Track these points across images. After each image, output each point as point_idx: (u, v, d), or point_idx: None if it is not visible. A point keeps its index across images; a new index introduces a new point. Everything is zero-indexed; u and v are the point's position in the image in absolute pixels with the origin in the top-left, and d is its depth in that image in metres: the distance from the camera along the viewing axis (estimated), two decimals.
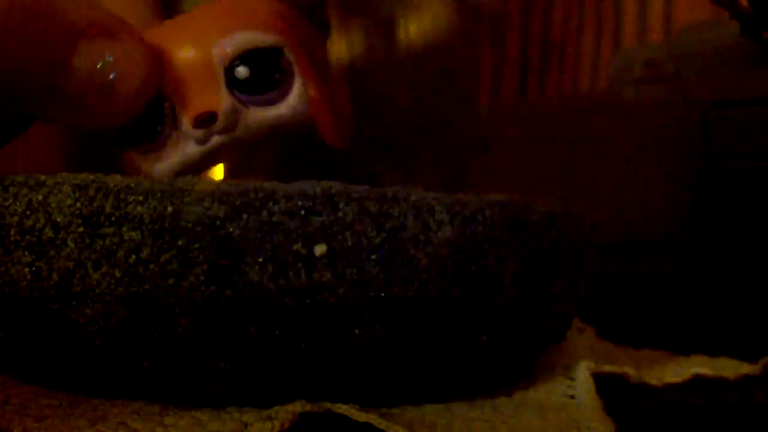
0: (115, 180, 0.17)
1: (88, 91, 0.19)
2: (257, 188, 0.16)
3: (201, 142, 0.20)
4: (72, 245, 0.16)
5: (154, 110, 0.20)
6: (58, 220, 0.16)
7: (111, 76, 0.19)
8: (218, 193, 0.16)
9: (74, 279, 0.16)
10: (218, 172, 0.22)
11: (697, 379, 0.23)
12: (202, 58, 0.20)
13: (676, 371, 0.23)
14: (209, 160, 0.20)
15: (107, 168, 0.21)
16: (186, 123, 0.20)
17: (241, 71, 0.20)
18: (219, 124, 0.19)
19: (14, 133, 0.22)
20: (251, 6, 0.21)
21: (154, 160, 0.20)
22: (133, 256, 0.16)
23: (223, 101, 0.20)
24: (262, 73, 0.20)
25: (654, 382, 0.22)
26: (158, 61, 0.20)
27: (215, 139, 0.20)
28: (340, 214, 0.16)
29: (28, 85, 0.18)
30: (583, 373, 0.21)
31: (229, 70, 0.20)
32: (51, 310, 0.17)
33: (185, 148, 0.20)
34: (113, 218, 0.16)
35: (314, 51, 0.21)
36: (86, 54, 0.19)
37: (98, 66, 0.19)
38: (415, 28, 0.24)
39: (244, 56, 0.20)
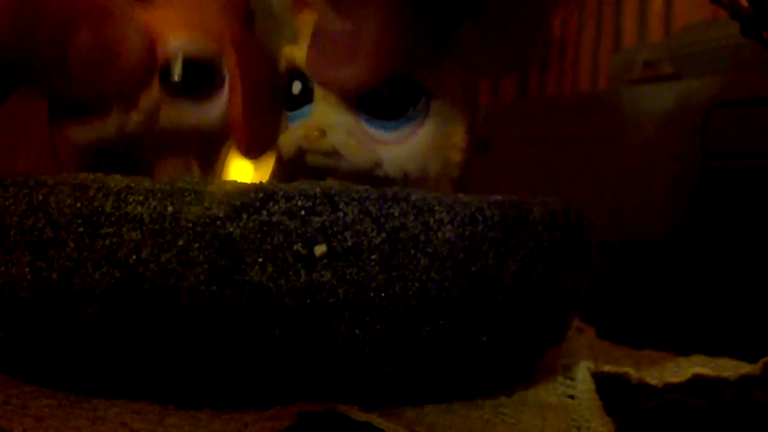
0: (115, 180, 0.17)
1: (89, 66, 0.20)
2: (257, 188, 0.16)
3: (119, 121, 0.21)
4: (72, 245, 0.16)
5: None
6: (59, 220, 0.16)
7: (109, 54, 0.20)
8: (218, 193, 0.16)
9: (74, 279, 0.16)
10: (245, 172, 0.23)
11: (697, 379, 0.23)
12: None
13: (676, 371, 0.23)
14: (127, 143, 0.21)
15: (107, 168, 0.21)
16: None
17: (176, 72, 0.21)
18: (140, 110, 0.21)
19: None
20: (206, 14, 0.22)
21: (84, 128, 0.21)
22: (134, 257, 0.16)
23: (151, 91, 0.21)
24: (194, 78, 0.21)
25: (654, 382, 0.22)
26: (152, 41, 0.21)
27: (134, 124, 0.21)
28: (340, 214, 0.16)
29: (37, 56, 0.20)
30: (583, 373, 0.21)
31: (166, 68, 0.21)
32: (51, 310, 0.17)
33: (107, 123, 0.21)
34: (113, 218, 0.16)
35: (251, 64, 0.22)
36: (88, 33, 0.20)
37: (98, 44, 0.20)
38: None
39: (183, 59, 0.21)
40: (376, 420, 0.16)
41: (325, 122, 0.21)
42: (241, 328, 0.16)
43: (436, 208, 0.17)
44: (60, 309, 0.17)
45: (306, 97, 0.21)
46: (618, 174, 0.46)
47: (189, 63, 0.21)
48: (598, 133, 0.48)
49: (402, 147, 0.21)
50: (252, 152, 0.22)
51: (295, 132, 0.21)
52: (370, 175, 0.21)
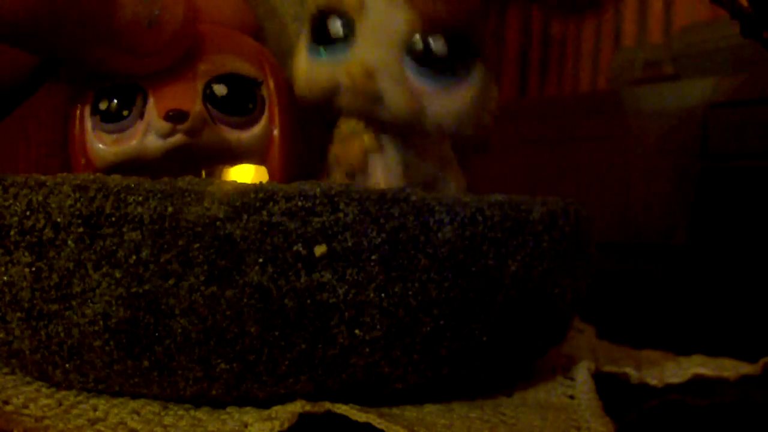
0: (115, 180, 0.17)
1: (134, 25, 0.20)
2: (257, 189, 0.16)
3: (164, 135, 0.20)
4: (72, 246, 0.16)
5: (128, 95, 0.21)
6: (59, 220, 0.16)
7: (155, 12, 0.20)
8: (218, 193, 0.16)
9: (74, 279, 0.16)
10: (247, 173, 0.23)
11: (697, 379, 0.23)
12: (190, 67, 0.21)
13: (676, 371, 0.23)
14: (166, 158, 0.21)
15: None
16: (155, 115, 0.20)
17: (220, 88, 0.21)
18: (187, 124, 0.20)
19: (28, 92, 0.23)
20: (245, 40, 0.23)
21: (113, 141, 0.21)
22: (134, 257, 0.16)
23: (195, 107, 0.21)
24: (237, 97, 0.21)
25: (654, 382, 0.22)
26: (196, 5, 0.21)
27: (178, 138, 0.20)
28: (340, 214, 0.16)
29: (80, 20, 0.19)
30: (583, 373, 0.21)
31: (209, 85, 0.21)
32: (51, 310, 0.17)
33: (145, 139, 0.21)
34: (113, 219, 0.16)
35: (285, 96, 0.22)
36: None
37: (144, 2, 0.20)
38: None
39: (227, 77, 0.21)
40: (376, 420, 0.16)
41: (372, 63, 0.20)
42: (241, 328, 0.16)
43: (436, 208, 0.17)
44: (60, 309, 0.17)
45: (343, 36, 0.20)
46: (618, 174, 0.47)
47: (233, 82, 0.21)
48: (598, 133, 0.48)
49: (444, 101, 0.20)
50: (285, 177, 0.22)
51: (332, 69, 0.20)
52: (404, 124, 0.20)
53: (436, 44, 0.20)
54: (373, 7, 0.20)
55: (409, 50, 0.20)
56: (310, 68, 0.21)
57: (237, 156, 0.22)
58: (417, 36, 0.20)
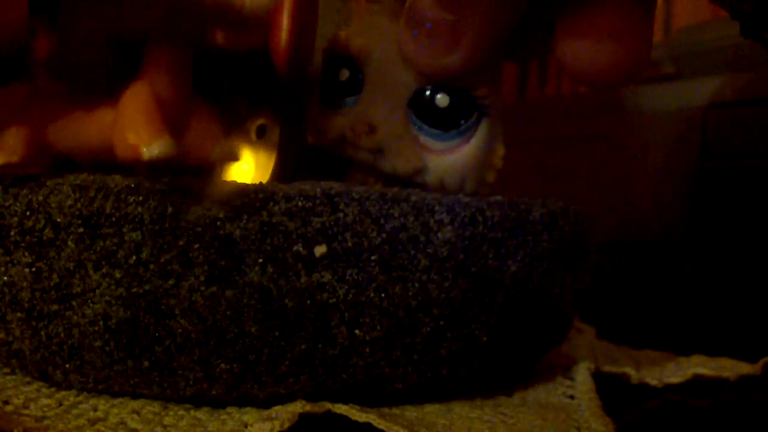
0: (115, 180, 0.17)
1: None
2: (257, 189, 0.16)
3: None
4: (72, 246, 0.16)
5: None
6: (59, 220, 0.16)
7: None
8: (218, 193, 0.16)
9: (74, 279, 0.16)
10: (246, 174, 0.23)
11: (697, 379, 0.23)
12: None
13: (676, 371, 0.23)
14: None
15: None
16: None
17: None
18: None
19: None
20: None
21: None
22: (134, 257, 0.16)
23: None
24: None
25: (654, 382, 0.22)
26: None
27: None
28: (341, 214, 0.16)
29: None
30: (583, 373, 0.21)
31: None
32: (51, 310, 0.17)
33: None
34: (113, 219, 0.16)
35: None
36: None
37: None
38: None
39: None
40: (376, 420, 0.16)
41: (375, 117, 0.20)
42: (241, 328, 0.16)
43: (436, 208, 0.17)
44: (60, 309, 0.17)
45: (352, 86, 0.21)
46: (618, 174, 0.46)
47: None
48: (598, 133, 0.48)
49: (447, 158, 0.20)
50: (290, 72, 0.21)
51: (339, 120, 0.21)
52: (407, 180, 0.20)
53: (442, 100, 0.20)
54: (381, 58, 0.20)
55: (414, 105, 0.20)
56: (320, 117, 0.21)
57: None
58: (423, 91, 0.20)
